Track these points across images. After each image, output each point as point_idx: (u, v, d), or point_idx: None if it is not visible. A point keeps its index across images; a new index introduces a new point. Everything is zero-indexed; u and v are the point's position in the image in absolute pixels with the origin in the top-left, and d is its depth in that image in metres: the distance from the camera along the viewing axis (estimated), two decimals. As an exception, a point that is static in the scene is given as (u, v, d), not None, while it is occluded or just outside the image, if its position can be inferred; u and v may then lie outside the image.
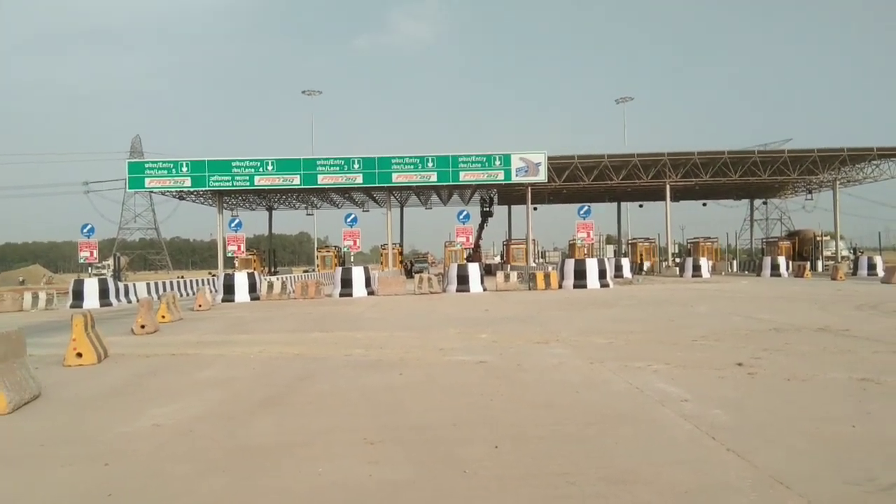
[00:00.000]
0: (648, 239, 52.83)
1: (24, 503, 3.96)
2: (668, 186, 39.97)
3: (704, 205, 52.92)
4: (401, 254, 51.70)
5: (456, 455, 4.60)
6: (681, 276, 36.17)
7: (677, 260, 43.36)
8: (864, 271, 32.50)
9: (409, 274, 43.30)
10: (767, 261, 36.82)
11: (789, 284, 26.40)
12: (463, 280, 25.66)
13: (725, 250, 53.06)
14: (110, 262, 57.23)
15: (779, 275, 34.40)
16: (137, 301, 20.94)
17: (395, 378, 7.62)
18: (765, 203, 63.24)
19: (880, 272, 30.91)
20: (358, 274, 25.48)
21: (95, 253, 26.40)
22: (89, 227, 26.20)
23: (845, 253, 44.62)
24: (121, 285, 26.99)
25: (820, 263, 41.98)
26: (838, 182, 41.42)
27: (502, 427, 5.30)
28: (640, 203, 52.08)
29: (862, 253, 39.80)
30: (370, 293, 25.27)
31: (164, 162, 34.61)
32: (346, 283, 25.24)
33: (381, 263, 46.61)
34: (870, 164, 40.09)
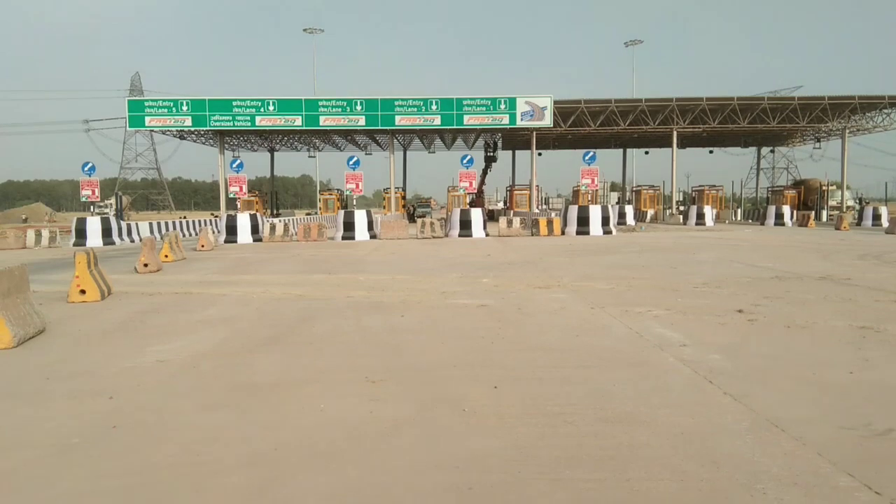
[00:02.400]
0: (653, 186, 52.54)
1: (30, 435, 4.03)
2: (675, 133, 39.45)
3: (711, 152, 52.36)
4: (403, 198, 51.52)
5: (456, 394, 4.65)
6: (684, 223, 36.07)
7: (682, 208, 43.18)
8: (868, 222, 32.36)
9: (411, 218, 43.26)
10: (772, 210, 36.64)
11: (793, 233, 26.33)
12: (465, 225, 25.62)
13: (730, 199, 52.79)
14: (112, 201, 57.17)
15: (783, 224, 34.28)
16: (140, 240, 20.99)
17: (397, 320, 7.67)
18: (772, 151, 62.44)
19: (885, 223, 30.78)
20: (360, 217, 25.44)
21: (97, 191, 26.35)
22: (90, 165, 26.08)
23: (851, 203, 44.36)
24: (123, 224, 27.02)
25: (825, 213, 41.84)
26: (847, 131, 40.82)
27: (502, 368, 5.35)
28: (646, 150, 51.54)
29: (867, 203, 39.58)
30: (373, 237, 25.29)
31: (164, 101, 34.15)
32: (349, 226, 25.22)
33: (384, 207, 46.52)
34: (881, 112, 39.43)
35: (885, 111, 39.04)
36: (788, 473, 3.23)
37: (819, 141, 48.60)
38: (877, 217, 32.28)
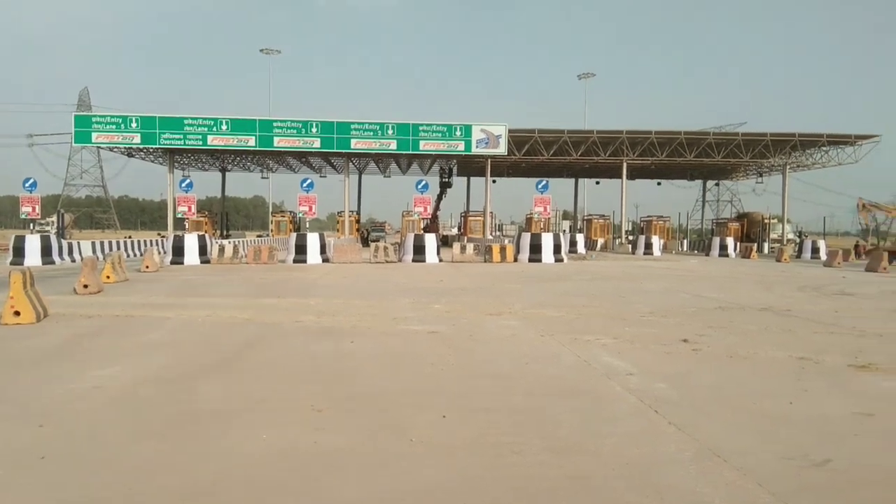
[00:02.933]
0: (604, 216, 53.55)
1: (-50, 465, 3.79)
2: (625, 164, 40.43)
3: (659, 184, 53.80)
4: (358, 221, 51.24)
5: (403, 423, 4.58)
6: (633, 253, 36.86)
7: (630, 237, 44.12)
8: (807, 254, 33.68)
9: (365, 242, 43.01)
10: (716, 241, 37.78)
11: (736, 265, 27.16)
12: (419, 250, 25.60)
13: (677, 230, 54.24)
14: (54, 218, 55.16)
15: (727, 255, 35.35)
16: (81, 260, 20.26)
17: (346, 346, 7.55)
18: (717, 185, 64.56)
19: (823, 256, 32.07)
20: (313, 240, 25.15)
21: (38, 208, 25.36)
22: (31, 181, 25.12)
23: (791, 236, 46.04)
24: (64, 243, 26.03)
25: (766, 245, 43.37)
26: (788, 166, 42.55)
27: (451, 397, 5.31)
28: (598, 180, 52.65)
29: (807, 237, 41.17)
30: (325, 260, 25.01)
31: (112, 116, 33.29)
32: (301, 249, 24.90)
33: (338, 230, 46.14)
34: (819, 150, 41.23)
35: (824, 149, 40.85)
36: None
37: (761, 175, 50.47)
38: (815, 250, 33.62)
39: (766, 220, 45.92)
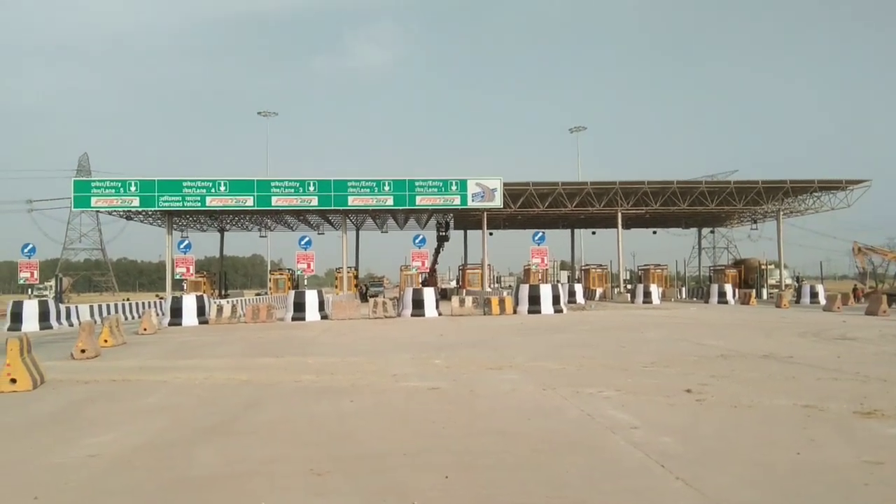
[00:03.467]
0: (601, 265, 53.65)
1: (-60, 542, 3.69)
2: (619, 214, 40.75)
3: (654, 233, 54.08)
4: (356, 277, 51.24)
5: (405, 485, 4.49)
6: (632, 302, 36.78)
7: (629, 286, 44.11)
8: (806, 299, 33.64)
9: (364, 297, 42.94)
10: (715, 288, 37.79)
11: (736, 311, 27.09)
12: (418, 304, 25.53)
13: (675, 277, 54.29)
14: (52, 283, 55.14)
15: (726, 302, 35.29)
16: (79, 324, 20.15)
17: (346, 405, 7.46)
18: (712, 232, 65.00)
19: (822, 300, 32.03)
20: (311, 297, 25.11)
21: (36, 273, 25.36)
22: (30, 246, 25.22)
23: (789, 281, 46.07)
24: (62, 307, 25.93)
25: (765, 291, 43.31)
26: (782, 213, 42.91)
27: (453, 455, 5.22)
28: (593, 230, 52.94)
29: (804, 282, 41.21)
30: (324, 317, 24.91)
31: (111, 181, 33.64)
32: (299, 306, 24.83)
33: (336, 287, 46.11)
34: (811, 195, 41.66)
35: (816, 194, 41.29)
36: (742, 562, 3.18)
37: (756, 222, 50.80)
38: (814, 295, 33.61)
39: (763, 266, 45.99)
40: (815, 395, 7.45)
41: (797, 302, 33.88)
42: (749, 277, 46.95)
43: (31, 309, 23.27)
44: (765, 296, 41.89)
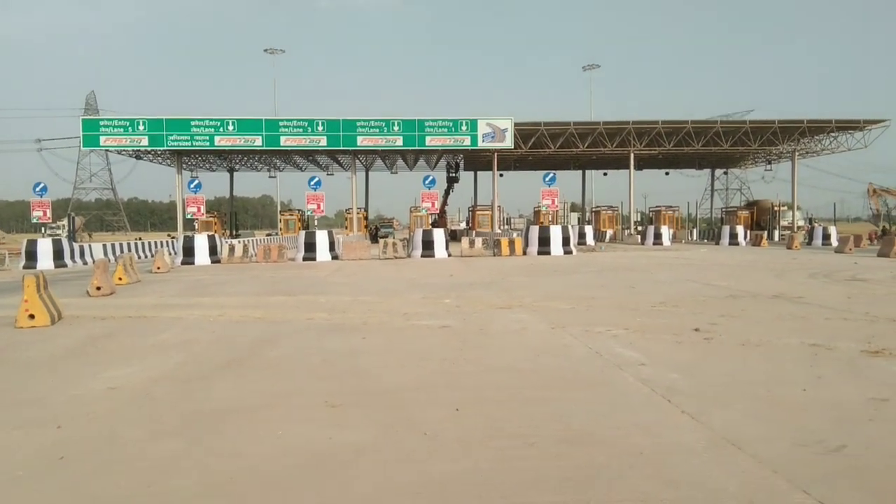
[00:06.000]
0: (612, 207, 53.40)
1: (-29, 467, 3.84)
2: (632, 155, 40.28)
3: (667, 174, 53.56)
4: (366, 218, 51.32)
5: (417, 418, 4.60)
6: (642, 243, 36.74)
7: (639, 228, 43.98)
8: (818, 241, 33.47)
9: (374, 239, 43.09)
10: (726, 230, 37.61)
11: (746, 253, 27.01)
12: (428, 245, 25.63)
13: (686, 219, 54.03)
14: (65, 222, 55.53)
15: (737, 244, 35.17)
16: (93, 262, 20.40)
17: (358, 342, 7.58)
18: (725, 173, 64.20)
19: (834, 242, 31.89)
20: (322, 238, 25.23)
21: (49, 212, 25.57)
22: (42, 185, 25.33)
23: (802, 223, 45.80)
24: (76, 246, 26.24)
25: (777, 233, 43.11)
26: (797, 153, 42.25)
27: (464, 390, 5.32)
28: (605, 171, 52.46)
29: (817, 223, 40.91)
30: (334, 257, 25.08)
31: (119, 120, 33.49)
32: (310, 246, 24.99)
33: (346, 228, 46.25)
34: (828, 136, 40.93)
35: (833, 135, 40.55)
36: (745, 492, 3.27)
37: (770, 163, 50.15)
38: (826, 237, 33.41)
39: (776, 208, 45.63)
40: (824, 334, 7.49)
41: (809, 244, 33.73)
42: (761, 219, 46.67)
43: (45, 247, 23.56)
44: (777, 238, 41.69)
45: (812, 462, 3.67)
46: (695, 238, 47.91)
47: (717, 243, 36.85)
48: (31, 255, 23.29)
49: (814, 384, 5.33)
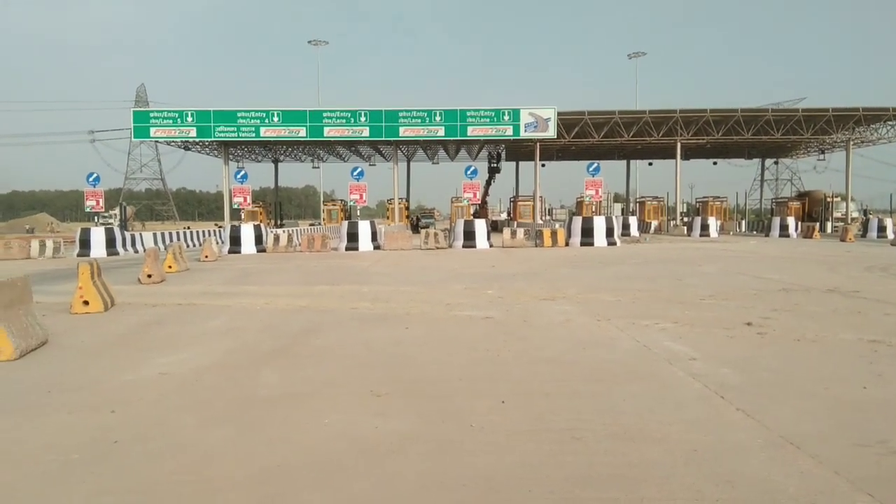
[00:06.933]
0: (657, 197, 52.40)
1: (31, 448, 3.96)
2: (678, 144, 39.38)
3: (715, 163, 52.29)
4: (407, 209, 51.50)
5: (462, 409, 4.57)
6: (689, 235, 35.95)
7: (685, 219, 43.04)
8: (873, 233, 32.24)
9: (415, 229, 43.24)
10: (776, 221, 36.50)
11: (798, 245, 26.21)
12: (469, 236, 25.57)
13: (734, 210, 52.63)
14: (117, 211, 57.21)
15: (787, 235, 34.15)
16: (144, 251, 20.96)
17: (401, 332, 7.60)
18: (776, 163, 62.39)
19: (890, 234, 30.68)
20: (364, 228, 25.41)
21: (101, 202, 26.38)
22: (95, 175, 26.12)
23: (856, 214, 44.22)
24: (127, 235, 27.03)
25: (829, 225, 41.66)
26: (851, 143, 40.74)
27: (508, 382, 5.28)
28: (650, 161, 51.48)
29: (872, 215, 39.41)
30: (376, 247, 25.24)
31: (169, 112, 34.25)
32: (353, 236, 25.19)
33: (388, 218, 46.48)
34: (885, 124, 39.34)
35: (890, 123, 38.96)
36: (806, 493, 3.14)
37: (823, 153, 48.50)
38: (882, 229, 32.17)
39: (828, 199, 44.08)
40: (883, 330, 7.19)
41: (863, 236, 32.50)
42: (813, 210, 45.17)
43: (98, 236, 24.32)
44: (829, 230, 40.32)
45: (874, 463, 3.52)
46: (743, 230, 46.65)
47: (767, 235, 35.82)
48: (85, 244, 24.08)
49: (874, 382, 5.12)
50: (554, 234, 26.19)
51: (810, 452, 3.64)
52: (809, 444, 3.75)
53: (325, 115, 34.03)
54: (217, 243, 24.42)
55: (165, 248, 19.12)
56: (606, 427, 4.14)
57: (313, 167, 54.72)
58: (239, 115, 33.69)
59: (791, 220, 36.13)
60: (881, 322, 7.78)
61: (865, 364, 5.69)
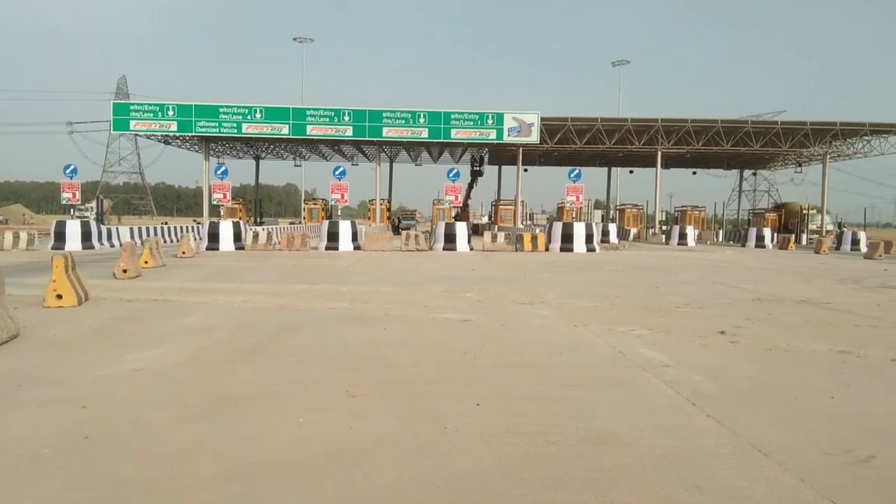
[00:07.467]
0: (636, 205, 52.87)
1: (0, 442, 3.91)
2: (659, 153, 39.79)
3: (694, 173, 52.92)
4: (389, 210, 51.43)
5: (437, 411, 4.59)
6: (667, 243, 36.34)
7: (664, 227, 43.48)
8: (847, 246, 32.84)
9: (396, 230, 43.18)
10: (753, 232, 37.06)
11: (773, 256, 26.61)
12: (450, 238, 25.60)
13: (712, 220, 53.27)
14: (93, 204, 56.42)
15: (763, 246, 34.65)
16: (120, 245, 20.70)
17: (380, 333, 7.59)
18: (754, 174, 63.27)
19: (863, 248, 31.26)
20: (345, 228, 25.33)
21: (78, 194, 25.97)
22: (72, 167, 25.71)
23: (830, 227, 44.92)
24: (103, 228, 26.65)
25: (805, 237, 42.36)
26: (828, 156, 41.45)
27: (484, 385, 5.30)
28: (631, 169, 51.92)
29: (847, 228, 40.11)
30: (356, 248, 25.16)
31: (149, 104, 33.87)
32: (333, 236, 25.09)
33: (369, 218, 46.40)
34: (861, 139, 40.07)
35: (866, 138, 39.69)
36: (771, 499, 3.20)
37: (800, 165, 49.26)
38: (855, 242, 32.78)
39: (804, 211, 44.82)
40: (853, 341, 7.34)
41: (837, 248, 33.12)
42: (789, 222, 45.92)
43: (73, 229, 23.94)
44: (804, 241, 40.99)
45: (840, 472, 3.59)
46: (720, 239, 47.26)
47: (744, 245, 36.34)
48: (60, 237, 23.69)
49: (842, 392, 5.22)
50: (534, 238, 26.31)
51: (778, 460, 3.70)
52: (777, 452, 3.82)
53: (308, 113, 33.86)
54: (195, 240, 24.20)
55: (142, 243, 18.89)
56: (580, 431, 4.18)
57: (295, 165, 54.44)
58: (221, 110, 33.42)
59: (767, 231, 36.70)
60: (851, 333, 7.94)
61: (835, 374, 5.80)
